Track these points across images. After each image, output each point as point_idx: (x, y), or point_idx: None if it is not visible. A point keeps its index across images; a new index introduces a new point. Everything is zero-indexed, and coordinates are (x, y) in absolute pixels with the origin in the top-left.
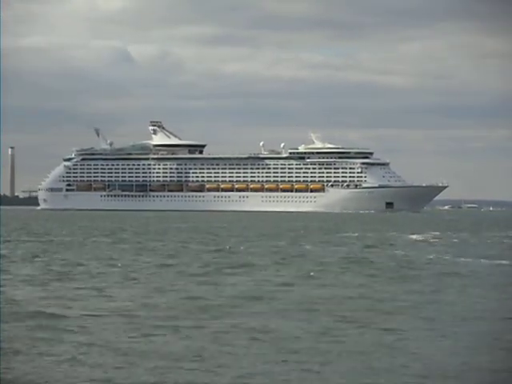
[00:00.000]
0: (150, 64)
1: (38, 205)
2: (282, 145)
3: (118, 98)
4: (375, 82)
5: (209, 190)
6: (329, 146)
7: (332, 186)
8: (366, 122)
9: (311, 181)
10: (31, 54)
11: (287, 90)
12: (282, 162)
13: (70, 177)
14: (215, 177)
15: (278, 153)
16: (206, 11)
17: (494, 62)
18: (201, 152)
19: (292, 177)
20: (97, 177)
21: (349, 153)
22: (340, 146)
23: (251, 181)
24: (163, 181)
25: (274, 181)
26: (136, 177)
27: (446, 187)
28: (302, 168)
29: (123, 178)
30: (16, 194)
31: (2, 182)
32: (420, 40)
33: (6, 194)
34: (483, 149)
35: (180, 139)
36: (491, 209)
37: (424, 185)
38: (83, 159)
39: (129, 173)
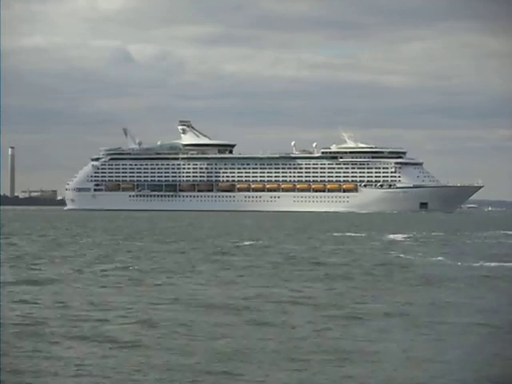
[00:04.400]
0: (150, 64)
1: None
2: (314, 144)
3: (118, 97)
4: (376, 82)
5: (239, 189)
6: (361, 146)
7: (365, 185)
8: (367, 122)
9: (344, 181)
10: (31, 53)
11: (288, 90)
12: (314, 161)
13: (98, 177)
14: (246, 177)
15: (310, 152)
16: (206, 11)
17: (495, 62)
18: (230, 152)
19: (324, 177)
20: (125, 177)
21: (382, 152)
22: (373, 146)
23: (283, 181)
24: (193, 181)
25: (306, 181)
26: (165, 177)
27: (481, 187)
28: (334, 168)
29: (152, 178)
30: (16, 194)
31: (1, 182)
32: (421, 40)
33: (6, 195)
34: (483, 149)
35: (210, 139)
36: (490, 209)
37: (459, 185)
38: (111, 159)
39: (158, 173)
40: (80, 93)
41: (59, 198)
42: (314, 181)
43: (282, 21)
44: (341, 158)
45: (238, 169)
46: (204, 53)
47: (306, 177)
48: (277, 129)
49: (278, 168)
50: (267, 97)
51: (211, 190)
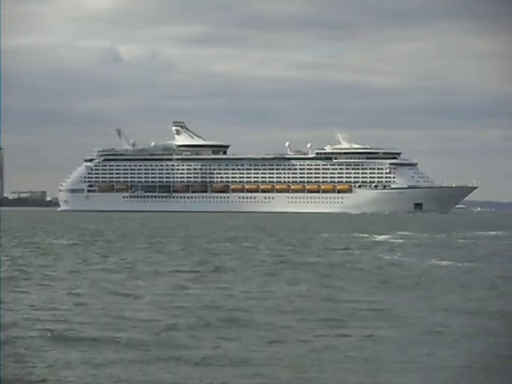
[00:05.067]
0: (139, 64)
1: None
2: (309, 145)
3: (108, 97)
4: (364, 83)
5: (233, 190)
6: (356, 147)
7: (360, 186)
8: (358, 122)
9: (338, 181)
10: (20, 53)
11: (276, 91)
12: (308, 162)
13: (91, 178)
14: (240, 177)
15: (304, 153)
16: (194, 11)
17: (485, 62)
18: (224, 152)
19: (319, 177)
20: (119, 177)
21: (377, 153)
22: (368, 146)
23: (277, 181)
24: (187, 181)
25: (301, 181)
26: (159, 177)
27: (475, 188)
28: (329, 169)
29: (146, 179)
30: (5, 195)
31: None
32: (409, 40)
33: None
34: (473, 149)
35: (203, 140)
36: (479, 209)
37: (453, 185)
38: (105, 160)
39: (152, 173)
40: (70, 93)
41: (48, 199)
42: (308, 182)
43: (270, 21)
44: (335, 158)
45: (232, 170)
46: (192, 52)
47: (301, 178)
48: (266, 129)
49: (273, 169)
50: (255, 97)
51: (205, 191)
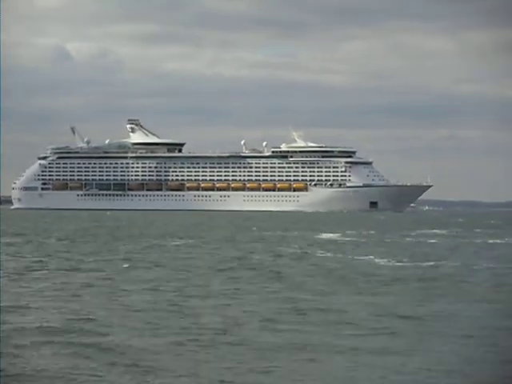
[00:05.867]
0: (89, 62)
1: None
2: (264, 144)
3: (58, 96)
4: (315, 82)
5: (189, 189)
6: (311, 145)
7: (315, 185)
8: (308, 121)
9: (294, 180)
10: None
11: (228, 90)
12: (264, 160)
13: (45, 175)
14: (195, 176)
15: (260, 152)
16: (146, 9)
17: (434, 61)
18: (180, 150)
19: (274, 176)
20: (73, 175)
21: (332, 152)
22: (323, 145)
23: (233, 180)
24: (142, 180)
25: (256, 180)
26: (114, 176)
27: (430, 186)
28: (284, 167)
29: (100, 177)
30: None
31: None
32: (361, 39)
33: None
34: (421, 148)
35: (158, 137)
36: (427, 208)
37: (408, 184)
38: (59, 157)
39: (106, 172)
40: (20, 91)
41: None
42: (264, 180)
43: (222, 19)
44: (291, 157)
45: (188, 168)
46: (143, 51)
47: (256, 176)
48: (219, 128)
49: (228, 167)
50: (207, 96)
51: (160, 190)
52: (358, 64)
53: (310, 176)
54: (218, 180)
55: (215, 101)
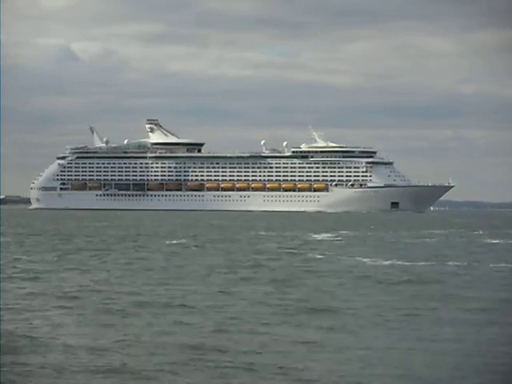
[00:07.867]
0: (94, 62)
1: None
2: (285, 143)
3: (63, 96)
4: (319, 82)
5: (208, 189)
6: (332, 145)
7: (336, 185)
8: (310, 121)
9: (315, 180)
10: None
11: (231, 89)
12: (284, 160)
13: (64, 175)
14: (215, 176)
15: (280, 152)
16: (150, 9)
17: (439, 62)
18: (199, 150)
19: (295, 176)
20: (92, 175)
21: (353, 152)
22: (344, 145)
23: (253, 180)
24: (161, 180)
25: (277, 180)
26: (133, 176)
27: (452, 187)
28: (305, 167)
29: (120, 177)
30: None
31: None
32: (365, 40)
33: None
34: (425, 149)
35: (178, 137)
36: (431, 209)
37: (430, 184)
38: (78, 157)
39: (125, 171)
40: (26, 91)
41: (1, 196)
42: (284, 180)
43: (226, 20)
44: (311, 157)
45: (207, 168)
46: (148, 51)
47: (277, 176)
48: (223, 128)
49: (248, 167)
50: (212, 96)
51: (180, 190)
52: (362, 64)
53: (331, 176)
54: (237, 180)
55: (220, 101)
